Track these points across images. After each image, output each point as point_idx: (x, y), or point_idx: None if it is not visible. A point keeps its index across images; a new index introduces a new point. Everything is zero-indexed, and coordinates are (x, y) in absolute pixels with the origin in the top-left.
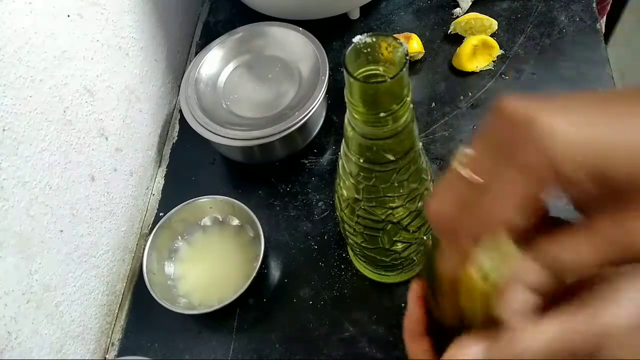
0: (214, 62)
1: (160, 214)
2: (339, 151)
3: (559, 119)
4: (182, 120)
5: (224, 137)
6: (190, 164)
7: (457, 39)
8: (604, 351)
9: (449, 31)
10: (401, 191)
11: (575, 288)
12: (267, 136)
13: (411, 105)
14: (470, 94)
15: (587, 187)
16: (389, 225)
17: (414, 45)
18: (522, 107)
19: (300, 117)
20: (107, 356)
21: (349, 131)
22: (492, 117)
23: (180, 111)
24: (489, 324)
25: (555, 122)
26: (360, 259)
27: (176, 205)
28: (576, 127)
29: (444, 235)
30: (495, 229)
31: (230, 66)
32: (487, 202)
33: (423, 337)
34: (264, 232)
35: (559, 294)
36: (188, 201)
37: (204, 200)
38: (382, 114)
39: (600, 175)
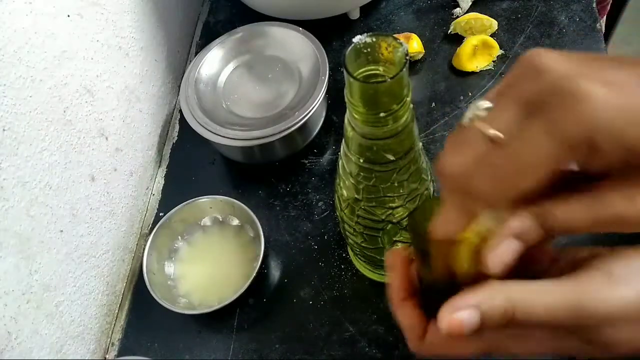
0: (214, 62)
1: (160, 214)
2: (339, 151)
3: (601, 86)
4: (182, 120)
5: (224, 137)
6: (190, 164)
7: (457, 39)
8: (601, 329)
9: (449, 31)
10: (401, 191)
11: (565, 268)
12: (267, 136)
13: (411, 105)
14: (470, 94)
15: (616, 161)
16: (389, 225)
17: (414, 45)
18: (560, 65)
19: (300, 117)
20: (107, 356)
21: (349, 131)
22: (520, 70)
23: (180, 111)
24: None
25: (597, 89)
26: (360, 259)
27: (176, 205)
28: (618, 96)
29: (452, 194)
30: (514, 197)
31: (230, 66)
32: (508, 165)
33: (406, 302)
34: (264, 232)
35: (551, 271)
36: (188, 201)
37: (204, 200)
38: (382, 114)
39: (636, 151)
